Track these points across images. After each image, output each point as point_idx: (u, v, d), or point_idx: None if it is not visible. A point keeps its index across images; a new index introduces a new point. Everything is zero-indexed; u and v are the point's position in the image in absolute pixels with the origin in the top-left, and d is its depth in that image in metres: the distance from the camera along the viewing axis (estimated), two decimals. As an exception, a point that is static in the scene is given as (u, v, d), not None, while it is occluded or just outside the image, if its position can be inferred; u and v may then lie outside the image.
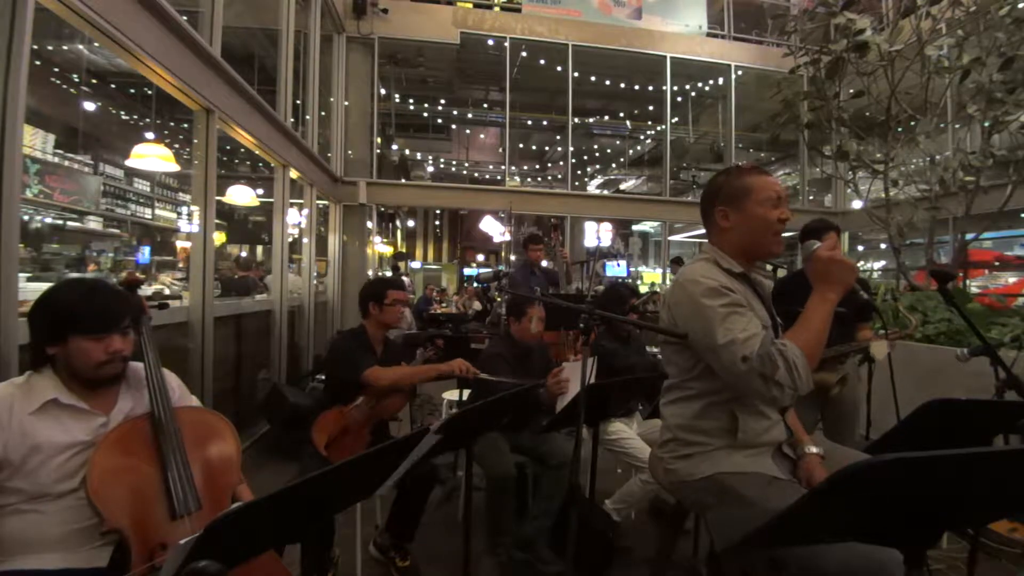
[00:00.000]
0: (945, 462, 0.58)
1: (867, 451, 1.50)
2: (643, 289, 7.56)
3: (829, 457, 1.34)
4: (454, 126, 13.23)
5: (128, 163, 5.12)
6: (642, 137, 12.75)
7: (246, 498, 1.37)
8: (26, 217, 6.26)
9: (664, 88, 8.79)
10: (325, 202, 6.97)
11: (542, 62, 8.84)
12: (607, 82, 9.87)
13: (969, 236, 4.92)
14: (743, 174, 1.35)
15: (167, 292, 5.29)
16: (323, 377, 3.09)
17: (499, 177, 13.18)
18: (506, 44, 8.28)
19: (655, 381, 2.23)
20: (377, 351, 2.33)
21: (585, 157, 14.49)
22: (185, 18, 2.78)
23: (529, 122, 11.55)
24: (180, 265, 8.08)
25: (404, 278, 9.94)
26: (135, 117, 8.95)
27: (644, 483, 2.37)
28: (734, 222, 1.34)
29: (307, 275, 5.48)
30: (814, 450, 1.33)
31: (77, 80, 7.49)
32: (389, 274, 12.54)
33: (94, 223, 7.36)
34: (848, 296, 1.25)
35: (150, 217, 8.77)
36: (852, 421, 2.48)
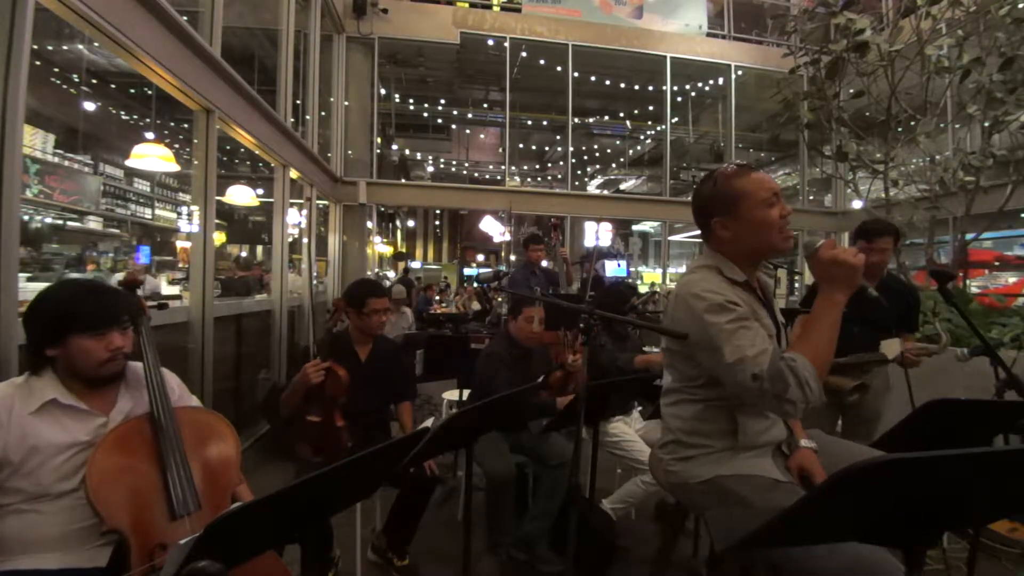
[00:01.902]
0: (945, 462, 0.58)
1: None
2: (643, 289, 7.56)
3: (825, 450, 1.34)
4: (454, 126, 13.24)
5: (128, 163, 5.13)
6: (642, 137, 12.76)
7: (246, 498, 1.37)
8: (26, 217, 6.26)
9: (664, 88, 8.79)
10: (325, 202, 6.97)
11: (542, 62, 8.84)
12: (607, 82, 9.87)
13: (969, 236, 4.91)
14: (730, 179, 1.28)
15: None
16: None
17: (499, 177, 13.19)
18: (506, 44, 8.28)
19: (655, 381, 2.23)
20: (361, 354, 2.28)
21: (585, 157, 14.50)
22: (185, 18, 2.77)
23: (529, 122, 11.55)
24: (180, 265, 8.08)
25: (411, 278, 9.87)
26: (135, 117, 8.97)
27: (645, 484, 2.36)
28: (735, 230, 1.28)
29: (307, 275, 5.48)
30: (806, 443, 1.33)
31: (77, 80, 7.50)
32: (391, 274, 12.54)
33: (94, 223, 7.37)
34: (857, 295, 1.20)
35: (150, 217, 8.78)
36: (871, 429, 2.42)
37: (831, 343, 1.16)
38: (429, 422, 1.36)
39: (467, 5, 8.43)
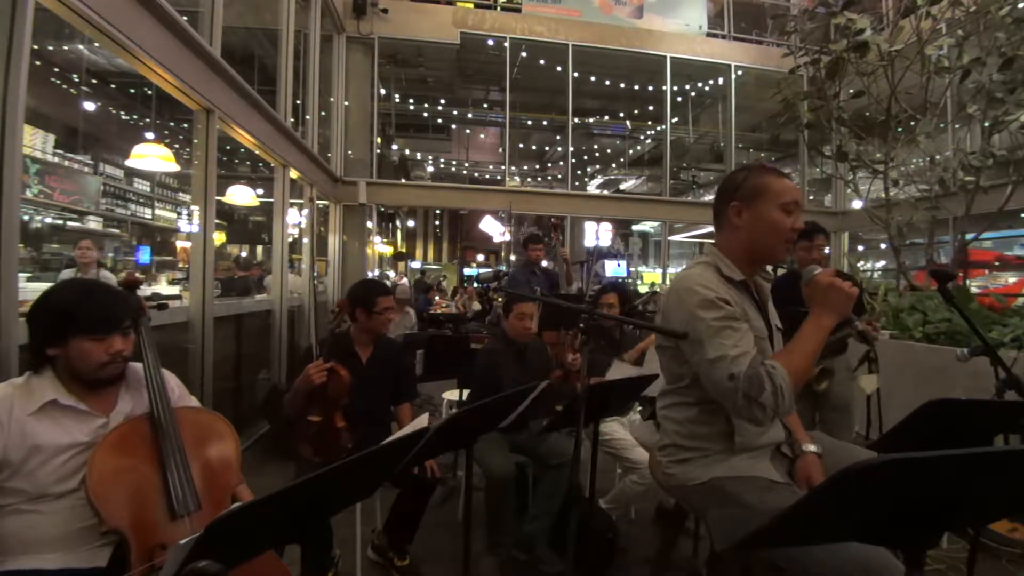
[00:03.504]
0: (945, 462, 0.58)
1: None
2: (643, 289, 7.56)
3: (829, 454, 1.34)
4: (454, 126, 13.23)
5: (128, 163, 5.12)
6: (642, 137, 12.75)
7: (246, 498, 1.37)
8: (26, 217, 6.26)
9: (664, 88, 8.79)
10: (325, 202, 6.97)
11: (542, 62, 8.84)
12: (607, 82, 9.87)
13: (969, 236, 4.91)
14: (764, 173, 1.31)
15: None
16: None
17: (499, 177, 13.19)
18: (506, 44, 8.28)
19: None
20: (363, 355, 2.27)
21: (585, 157, 14.49)
22: (185, 18, 2.78)
23: (529, 122, 11.55)
24: (180, 265, 8.08)
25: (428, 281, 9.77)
26: (135, 117, 8.95)
27: (634, 484, 2.36)
28: (747, 220, 1.30)
29: (307, 275, 5.48)
30: (812, 448, 1.33)
31: (77, 80, 7.49)
32: (391, 274, 12.52)
33: (94, 223, 7.37)
34: (841, 325, 1.25)
35: (150, 217, 8.78)
36: (846, 418, 2.48)
37: (810, 364, 1.20)
38: (424, 418, 1.35)
39: (471, 5, 8.43)
